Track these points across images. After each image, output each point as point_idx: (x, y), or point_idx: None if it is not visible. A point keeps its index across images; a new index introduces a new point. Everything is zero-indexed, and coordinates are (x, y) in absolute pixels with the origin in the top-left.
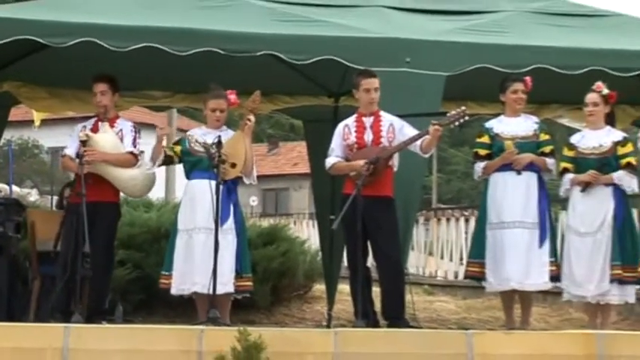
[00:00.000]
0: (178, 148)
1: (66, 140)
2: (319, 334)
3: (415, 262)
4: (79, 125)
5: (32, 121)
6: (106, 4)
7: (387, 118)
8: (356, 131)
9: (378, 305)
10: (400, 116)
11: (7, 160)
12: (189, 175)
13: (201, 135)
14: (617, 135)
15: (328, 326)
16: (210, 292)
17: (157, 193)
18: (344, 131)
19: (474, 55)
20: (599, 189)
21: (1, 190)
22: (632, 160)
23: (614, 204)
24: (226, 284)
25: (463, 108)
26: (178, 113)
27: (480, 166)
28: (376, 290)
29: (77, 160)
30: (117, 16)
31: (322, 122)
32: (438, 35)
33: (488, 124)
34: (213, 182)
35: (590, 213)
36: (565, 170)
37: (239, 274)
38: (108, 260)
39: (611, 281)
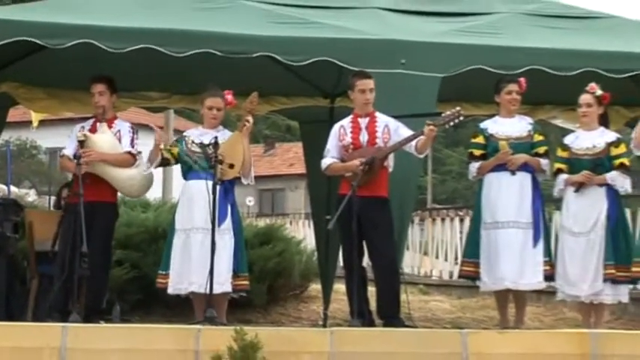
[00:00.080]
0: (175, 150)
1: (64, 141)
2: (315, 333)
3: (410, 262)
4: (77, 126)
5: (30, 122)
6: (103, 6)
7: (382, 119)
8: (351, 132)
9: (373, 305)
10: (395, 117)
11: (6, 161)
12: (186, 175)
13: (198, 136)
14: (611, 136)
15: (324, 325)
16: (208, 291)
17: (154, 194)
18: (339, 132)
19: (469, 57)
20: (592, 189)
21: (0, 191)
22: (625, 160)
23: (608, 204)
24: (224, 284)
25: (458, 108)
26: (175, 114)
27: (474, 166)
28: (372, 290)
29: (75, 161)
30: (114, 17)
31: (318, 123)
32: (433, 37)
33: (483, 125)
34: (210, 182)
35: (583, 213)
36: (559, 171)
37: (236, 274)
38: (105, 260)
39: (605, 281)
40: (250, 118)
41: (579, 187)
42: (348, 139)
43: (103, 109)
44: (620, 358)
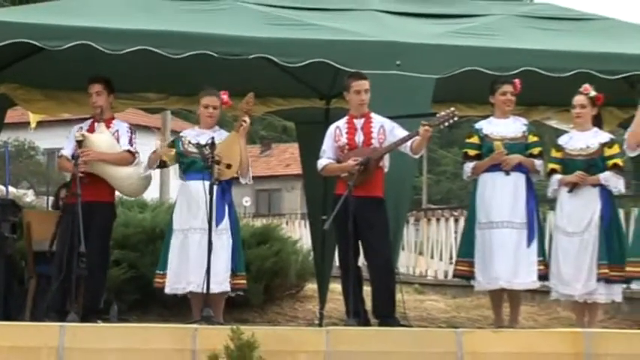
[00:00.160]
0: (173, 151)
1: (62, 142)
2: (311, 332)
3: (405, 262)
4: (75, 127)
5: (28, 123)
6: (101, 8)
7: (377, 120)
8: (347, 133)
9: (369, 304)
10: (391, 118)
11: (4, 162)
12: (183, 175)
13: (195, 136)
14: (604, 137)
15: (320, 325)
16: (204, 290)
17: (151, 194)
18: (335, 133)
19: (464, 58)
20: (586, 190)
21: None
22: (618, 161)
23: (601, 204)
24: (222, 283)
25: (452, 109)
26: (173, 115)
27: (469, 166)
28: (367, 289)
29: (73, 161)
30: (112, 19)
31: (314, 124)
32: (428, 38)
33: (477, 125)
34: (208, 183)
35: (577, 213)
36: (553, 171)
37: (234, 273)
38: (103, 260)
39: (598, 280)
40: (247, 119)
41: (573, 187)
42: (344, 139)
43: (101, 109)
44: (613, 357)
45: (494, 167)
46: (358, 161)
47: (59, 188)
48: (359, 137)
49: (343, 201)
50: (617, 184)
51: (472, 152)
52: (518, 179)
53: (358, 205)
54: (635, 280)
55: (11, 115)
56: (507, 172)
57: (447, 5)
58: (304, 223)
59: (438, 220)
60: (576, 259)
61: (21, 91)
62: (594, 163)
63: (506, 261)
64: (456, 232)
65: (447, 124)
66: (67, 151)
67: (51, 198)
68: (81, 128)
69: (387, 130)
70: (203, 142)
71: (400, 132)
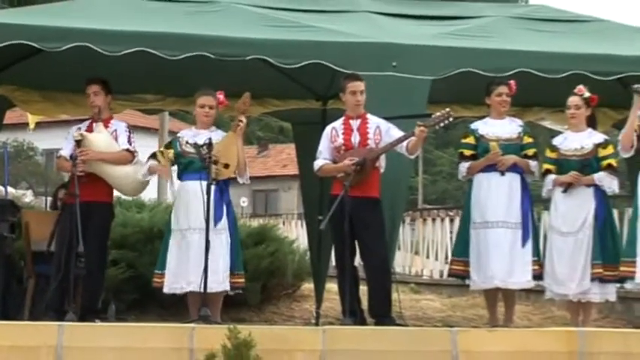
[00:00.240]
0: (171, 153)
1: (60, 142)
2: (308, 331)
3: (401, 262)
4: (73, 127)
5: (27, 124)
6: (99, 10)
7: (373, 121)
8: (343, 133)
9: (365, 303)
10: (387, 118)
11: (3, 162)
12: (181, 176)
13: (192, 136)
14: (599, 137)
15: (316, 324)
16: (202, 290)
17: (149, 194)
18: (331, 134)
19: (459, 60)
20: (580, 190)
21: None
22: (612, 161)
23: (596, 204)
24: (222, 282)
25: (448, 110)
26: (170, 116)
27: (464, 166)
28: (363, 289)
29: (71, 161)
30: (110, 21)
31: (310, 125)
32: (424, 40)
33: (473, 126)
34: (205, 183)
35: (571, 213)
36: (547, 171)
37: (232, 272)
38: (101, 260)
39: (592, 280)
40: (243, 119)
41: (567, 187)
42: (340, 140)
43: (99, 109)
44: (607, 355)
45: (490, 167)
46: (354, 162)
47: (57, 188)
48: (355, 138)
49: (339, 201)
50: (611, 184)
51: (468, 152)
52: (514, 180)
53: (354, 205)
54: (629, 280)
55: (10, 116)
56: (502, 173)
57: (441, 7)
58: (301, 223)
59: (433, 220)
60: (571, 258)
61: (19, 92)
62: (588, 164)
63: (502, 260)
64: (451, 232)
65: (442, 124)
66: (66, 152)
67: (49, 198)
68: (79, 128)
69: (383, 130)
70: (200, 143)
71: (396, 132)
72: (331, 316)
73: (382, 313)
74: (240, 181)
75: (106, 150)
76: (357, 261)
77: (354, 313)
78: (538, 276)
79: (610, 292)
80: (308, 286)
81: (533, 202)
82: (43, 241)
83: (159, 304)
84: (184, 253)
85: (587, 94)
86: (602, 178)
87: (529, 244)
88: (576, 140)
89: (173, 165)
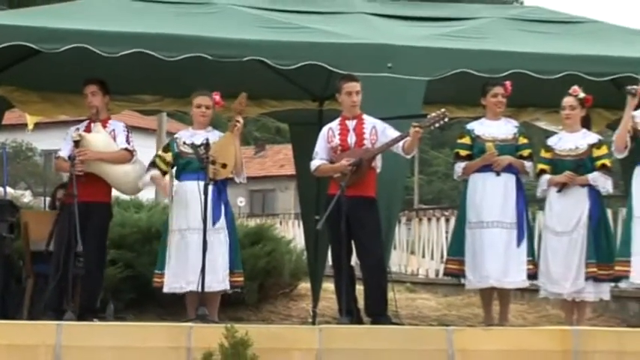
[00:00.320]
0: (170, 156)
1: (59, 143)
2: (304, 330)
3: (397, 261)
4: (72, 128)
5: (26, 125)
6: (97, 11)
7: (369, 121)
8: (340, 134)
9: (361, 302)
10: (383, 119)
11: (2, 163)
12: (179, 176)
13: (189, 137)
14: (593, 137)
15: (313, 323)
16: (206, 289)
17: (147, 195)
18: (328, 134)
19: (454, 61)
20: (575, 190)
21: None
22: (606, 162)
23: (590, 204)
24: (222, 281)
25: (443, 110)
26: (168, 117)
27: (460, 166)
28: (360, 288)
29: (70, 162)
30: (108, 22)
31: (307, 125)
32: (419, 41)
33: (469, 126)
34: (203, 183)
35: (566, 213)
36: (542, 171)
37: (231, 271)
38: (100, 259)
39: (587, 279)
40: (240, 119)
41: (562, 187)
42: (337, 140)
43: (97, 109)
44: (601, 354)
45: (485, 168)
46: (351, 162)
47: (56, 189)
48: (351, 138)
49: (336, 201)
50: (605, 184)
51: (463, 152)
52: (509, 180)
53: (351, 205)
54: (623, 279)
55: (9, 117)
56: (498, 173)
57: (436, 8)
58: (298, 223)
59: (429, 219)
60: (565, 258)
61: (18, 93)
62: (583, 164)
63: (497, 260)
64: (446, 232)
65: (437, 125)
66: (64, 152)
67: (48, 198)
68: (77, 129)
69: (379, 130)
70: (198, 143)
71: (392, 132)
72: (328, 315)
73: (378, 312)
74: (237, 180)
75: (104, 150)
76: (354, 260)
77: (350, 312)
78: (532, 276)
79: (604, 291)
80: (305, 286)
81: (528, 202)
82: (42, 241)
83: (157, 304)
84: (183, 252)
85: (581, 95)
86: (596, 178)
87: (524, 244)
88: (571, 140)
89: (172, 167)
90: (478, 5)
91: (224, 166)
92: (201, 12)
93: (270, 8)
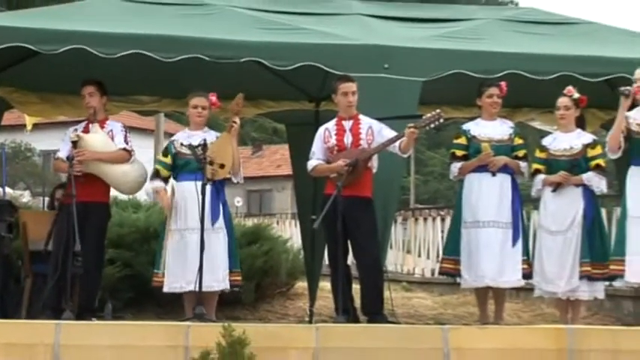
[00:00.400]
0: (170, 159)
1: (57, 143)
2: (301, 329)
3: (393, 260)
4: (70, 129)
5: (24, 125)
6: (95, 13)
7: (365, 122)
8: (336, 134)
9: (357, 301)
10: (378, 119)
11: (0, 163)
12: (177, 176)
13: (186, 137)
14: (587, 138)
15: (310, 322)
16: (206, 289)
17: (145, 195)
18: (324, 134)
19: (450, 61)
20: (569, 189)
21: None
22: (601, 161)
23: (584, 204)
24: (222, 281)
25: (438, 111)
26: (166, 117)
27: (456, 166)
28: (356, 287)
29: (68, 162)
30: (106, 24)
31: (304, 126)
32: (415, 42)
33: (465, 126)
34: (200, 183)
35: (560, 212)
36: (537, 171)
37: (230, 269)
38: (98, 259)
39: (581, 278)
40: (237, 119)
41: (557, 187)
42: (333, 141)
43: (94, 109)
44: (595, 352)
45: (481, 168)
46: (347, 162)
47: (54, 189)
48: (348, 138)
49: (332, 201)
50: (599, 184)
51: (459, 153)
52: (504, 180)
53: (347, 204)
54: (618, 278)
55: (8, 118)
56: (494, 173)
57: (432, 10)
58: (294, 223)
59: (425, 219)
60: (560, 257)
61: (17, 94)
62: (577, 164)
63: (492, 260)
64: (442, 232)
65: (433, 125)
66: (63, 153)
67: (47, 198)
68: (75, 130)
69: (375, 131)
70: (195, 143)
71: (388, 132)
72: (324, 314)
73: (374, 311)
74: (235, 180)
75: (102, 150)
76: (350, 260)
77: (346, 311)
78: (527, 275)
79: (598, 289)
80: (301, 285)
81: (523, 201)
82: (41, 241)
83: (155, 303)
84: (183, 252)
85: (576, 95)
86: (590, 178)
87: (519, 244)
88: (565, 141)
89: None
90: (473, 7)
91: (222, 166)
92: (198, 13)
93: (267, 10)
